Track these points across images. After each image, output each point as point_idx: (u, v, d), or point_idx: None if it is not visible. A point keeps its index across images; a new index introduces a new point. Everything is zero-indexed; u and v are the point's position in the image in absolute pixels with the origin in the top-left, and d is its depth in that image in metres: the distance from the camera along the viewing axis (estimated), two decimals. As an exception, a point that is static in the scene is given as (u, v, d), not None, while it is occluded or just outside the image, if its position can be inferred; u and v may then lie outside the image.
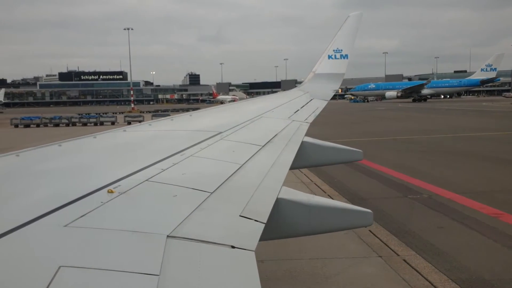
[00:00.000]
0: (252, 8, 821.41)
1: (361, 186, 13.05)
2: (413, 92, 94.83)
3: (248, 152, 3.32)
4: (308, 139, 5.05)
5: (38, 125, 43.53)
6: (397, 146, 22.02)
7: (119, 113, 58.54)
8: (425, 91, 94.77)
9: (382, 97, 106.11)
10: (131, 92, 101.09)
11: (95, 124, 43.65)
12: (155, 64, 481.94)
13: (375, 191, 12.38)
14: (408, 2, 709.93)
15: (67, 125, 43.87)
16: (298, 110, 6.67)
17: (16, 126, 43.35)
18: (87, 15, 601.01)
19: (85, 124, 43.77)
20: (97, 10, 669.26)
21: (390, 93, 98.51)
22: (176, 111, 59.21)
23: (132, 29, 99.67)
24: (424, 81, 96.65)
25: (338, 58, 9.58)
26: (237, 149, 3.43)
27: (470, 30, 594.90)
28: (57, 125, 43.86)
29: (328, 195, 11.43)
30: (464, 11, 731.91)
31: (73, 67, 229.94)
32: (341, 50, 9.57)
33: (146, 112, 61.42)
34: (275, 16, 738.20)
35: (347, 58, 9.61)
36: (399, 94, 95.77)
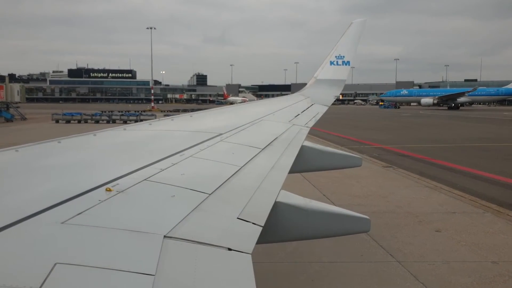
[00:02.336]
0: (257, 11, 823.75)
1: (494, 193, 12.51)
2: (449, 100, 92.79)
3: (248, 155, 3.32)
4: (308, 144, 5.05)
5: (79, 121, 43.77)
6: (476, 153, 21.49)
7: (142, 111, 57.80)
8: (462, 99, 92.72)
9: (397, 103, 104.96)
10: (152, 91, 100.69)
11: (136, 121, 43.36)
12: (160, 63, 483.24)
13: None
14: (412, 9, 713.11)
15: (108, 122, 43.88)
16: (299, 114, 6.68)
17: (57, 121, 43.55)
18: (91, 13, 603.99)
19: (125, 122, 43.48)
20: (102, 9, 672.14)
21: (426, 100, 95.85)
22: (196, 111, 58.33)
23: (154, 28, 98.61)
24: (470, 89, 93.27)
25: (340, 64, 9.59)
26: (236, 151, 3.43)
27: (473, 39, 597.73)
28: (97, 121, 43.94)
29: (471, 199, 11.33)
30: (467, 20, 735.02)
31: (76, 64, 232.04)
32: (343, 56, 9.59)
33: (167, 111, 60.32)
34: (280, 20, 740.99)
35: (349, 64, 9.63)
36: (435, 101, 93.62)
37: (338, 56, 9.61)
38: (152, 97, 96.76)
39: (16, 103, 50.31)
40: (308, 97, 8.74)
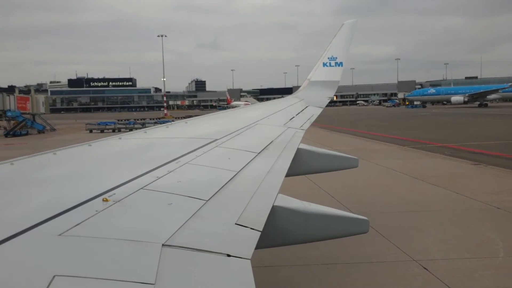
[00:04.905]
0: (249, 16, 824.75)
1: None
2: (479, 97, 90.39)
3: (244, 159, 3.32)
4: (304, 146, 5.05)
5: (113, 130, 42.44)
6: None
7: (157, 118, 56.85)
8: (492, 96, 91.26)
9: (423, 102, 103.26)
10: (164, 99, 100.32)
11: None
12: (156, 70, 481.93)
13: None
14: (402, 10, 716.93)
15: (141, 130, 43.29)
16: (294, 117, 6.69)
17: (91, 131, 42.88)
18: (83, 22, 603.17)
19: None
20: (93, 18, 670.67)
21: (456, 98, 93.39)
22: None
23: (165, 36, 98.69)
24: (506, 85, 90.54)
25: (333, 66, 9.63)
26: (232, 156, 3.42)
27: (465, 37, 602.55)
28: (131, 130, 42.81)
29: None
30: (458, 18, 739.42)
31: (76, 74, 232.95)
32: (336, 57, 9.63)
33: (182, 118, 59.30)
34: (273, 24, 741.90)
35: (341, 65, 9.67)
36: (466, 99, 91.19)
37: (331, 58, 9.65)
38: (165, 104, 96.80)
39: (41, 114, 50.00)
40: (302, 99, 8.76)
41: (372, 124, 43.94)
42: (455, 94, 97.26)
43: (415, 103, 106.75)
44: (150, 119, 54.24)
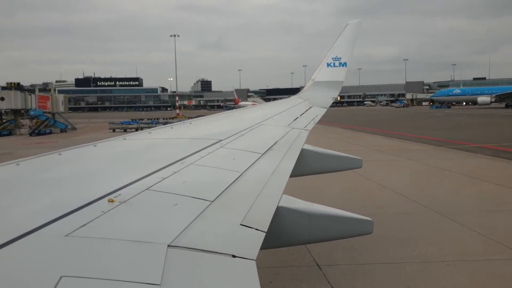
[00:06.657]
0: (251, 16, 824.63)
1: None
2: (506, 98, 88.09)
3: (248, 160, 3.32)
4: (308, 147, 5.05)
5: (136, 129, 40.88)
6: None
7: (169, 118, 56.21)
8: None
9: (449, 103, 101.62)
10: (176, 98, 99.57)
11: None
12: (160, 70, 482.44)
13: None
14: (405, 11, 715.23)
15: (164, 129, 43.00)
16: (298, 117, 6.68)
17: (114, 130, 41.97)
18: (87, 22, 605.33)
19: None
20: (97, 18, 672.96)
21: (483, 99, 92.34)
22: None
23: (178, 35, 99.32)
24: None
25: (337, 66, 9.61)
26: (237, 157, 3.43)
27: (468, 38, 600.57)
28: None
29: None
30: (461, 20, 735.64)
31: (83, 73, 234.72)
32: (340, 58, 9.61)
33: (194, 117, 58.25)
34: (276, 24, 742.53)
35: (345, 66, 9.65)
36: (493, 100, 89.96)
37: (335, 58, 9.63)
38: (177, 104, 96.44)
39: (61, 113, 50.40)
40: (306, 99, 8.75)
41: (393, 124, 43.67)
42: (481, 94, 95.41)
43: (425, 102, 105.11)
44: (163, 118, 53.86)
